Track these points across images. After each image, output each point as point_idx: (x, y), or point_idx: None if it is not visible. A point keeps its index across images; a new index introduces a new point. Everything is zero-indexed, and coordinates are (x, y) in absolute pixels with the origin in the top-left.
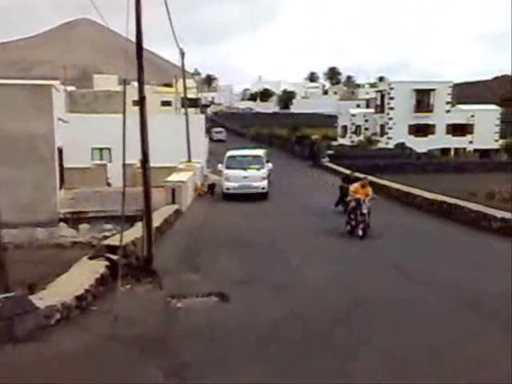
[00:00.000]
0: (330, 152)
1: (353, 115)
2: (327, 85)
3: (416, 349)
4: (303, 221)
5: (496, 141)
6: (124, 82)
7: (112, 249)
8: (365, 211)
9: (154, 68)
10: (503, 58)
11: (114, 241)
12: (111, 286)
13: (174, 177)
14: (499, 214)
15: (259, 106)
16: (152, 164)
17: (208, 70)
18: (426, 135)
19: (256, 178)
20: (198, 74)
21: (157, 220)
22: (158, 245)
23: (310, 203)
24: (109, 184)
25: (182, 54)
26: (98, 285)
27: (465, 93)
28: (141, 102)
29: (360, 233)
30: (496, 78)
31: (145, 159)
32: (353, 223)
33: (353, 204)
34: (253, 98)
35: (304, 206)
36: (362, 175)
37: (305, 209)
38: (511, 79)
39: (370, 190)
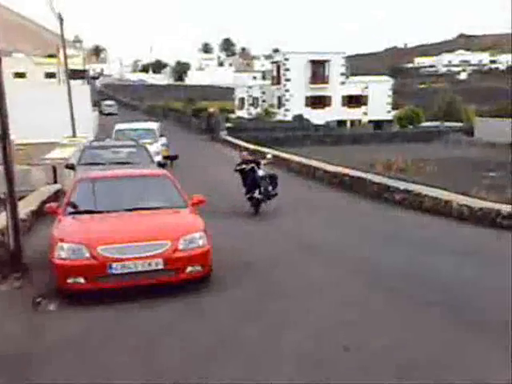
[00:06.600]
0: (228, 125)
1: (249, 87)
2: (222, 56)
3: None
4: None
5: (388, 112)
6: None
7: None
8: (261, 173)
9: (37, 38)
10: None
11: None
12: None
13: (55, 153)
14: (401, 185)
15: (152, 78)
16: (31, 140)
17: (95, 41)
18: (322, 107)
19: None
20: (80, 41)
21: (33, 203)
22: (35, 231)
23: (211, 181)
24: None
25: (61, 20)
26: None
27: (357, 64)
28: None
29: (258, 195)
30: (386, 50)
31: (4, 134)
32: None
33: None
34: (145, 69)
35: (206, 184)
36: (264, 149)
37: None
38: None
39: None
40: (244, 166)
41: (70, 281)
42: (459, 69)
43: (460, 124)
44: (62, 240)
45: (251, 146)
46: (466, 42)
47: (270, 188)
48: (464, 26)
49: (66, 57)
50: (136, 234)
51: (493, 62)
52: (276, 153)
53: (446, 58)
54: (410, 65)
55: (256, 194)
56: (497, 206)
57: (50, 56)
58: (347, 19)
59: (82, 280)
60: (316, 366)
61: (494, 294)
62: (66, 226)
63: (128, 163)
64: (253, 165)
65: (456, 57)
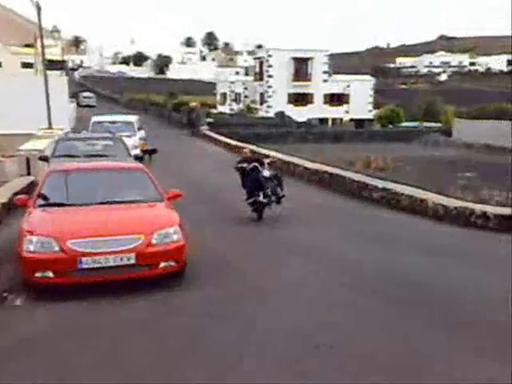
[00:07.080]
0: (209, 120)
1: (232, 82)
2: (205, 51)
3: None
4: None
5: (370, 111)
6: None
7: None
8: (267, 174)
9: (14, 28)
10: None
11: None
12: None
13: (29, 145)
14: (380, 183)
15: (133, 71)
16: (5, 131)
17: (75, 31)
18: (304, 104)
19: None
20: (58, 31)
21: (4, 195)
22: (6, 224)
23: (191, 177)
24: None
25: (38, 9)
26: None
27: (339, 63)
28: None
29: (263, 199)
30: (368, 49)
31: None
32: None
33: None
34: (125, 61)
35: (185, 179)
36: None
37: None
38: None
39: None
40: (245, 165)
41: (38, 275)
42: (440, 70)
43: (439, 125)
44: (30, 233)
45: (233, 142)
46: (447, 43)
47: (279, 190)
48: (445, 27)
49: (43, 46)
50: (108, 227)
51: (472, 64)
52: (257, 149)
53: (426, 58)
54: (392, 65)
55: (261, 198)
56: (470, 205)
57: (27, 46)
58: (331, 9)
59: (50, 274)
60: (291, 366)
61: (474, 293)
62: (35, 218)
63: (104, 156)
64: (255, 164)
65: (437, 58)
